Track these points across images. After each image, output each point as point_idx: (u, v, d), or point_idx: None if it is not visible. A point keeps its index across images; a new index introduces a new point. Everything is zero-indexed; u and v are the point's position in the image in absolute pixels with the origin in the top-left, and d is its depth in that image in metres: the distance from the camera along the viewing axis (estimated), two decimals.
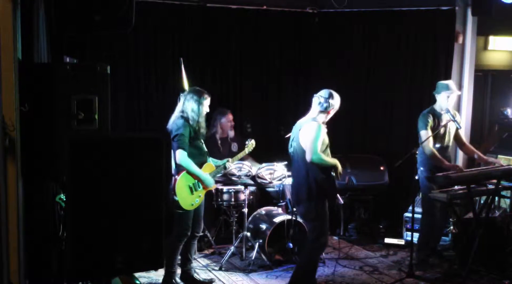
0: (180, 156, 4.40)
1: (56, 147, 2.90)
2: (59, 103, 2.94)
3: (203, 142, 4.69)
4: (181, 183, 4.48)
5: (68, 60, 3.58)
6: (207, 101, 4.57)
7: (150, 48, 6.01)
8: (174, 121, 4.53)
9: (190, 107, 4.49)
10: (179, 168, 4.49)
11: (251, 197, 5.79)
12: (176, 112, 4.57)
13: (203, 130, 4.58)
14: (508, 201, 5.90)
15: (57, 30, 3.42)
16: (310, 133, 4.22)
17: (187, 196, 4.51)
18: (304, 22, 6.74)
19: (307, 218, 4.50)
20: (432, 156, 5.03)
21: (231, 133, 6.05)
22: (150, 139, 2.72)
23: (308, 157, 4.20)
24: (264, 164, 5.45)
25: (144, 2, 5.57)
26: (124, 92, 5.89)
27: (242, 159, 5.27)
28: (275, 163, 5.43)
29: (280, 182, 5.47)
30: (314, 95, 4.36)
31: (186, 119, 4.48)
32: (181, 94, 4.88)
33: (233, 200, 5.55)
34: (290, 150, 4.44)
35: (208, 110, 4.63)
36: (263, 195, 6.20)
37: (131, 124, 5.96)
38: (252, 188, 5.80)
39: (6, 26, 2.69)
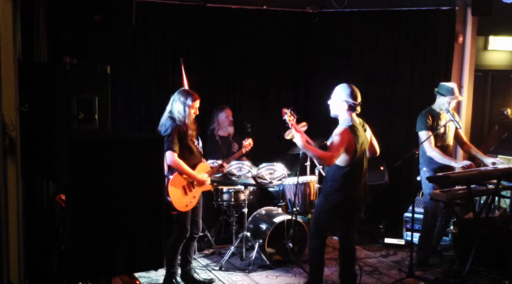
0: (170, 157, 4.33)
1: (56, 147, 2.90)
2: (59, 103, 2.95)
3: (195, 142, 4.65)
4: (174, 184, 4.44)
5: (68, 60, 3.58)
6: (195, 103, 4.47)
7: (150, 48, 6.01)
8: (163, 122, 4.48)
9: (176, 108, 4.43)
10: (172, 169, 4.46)
11: (251, 197, 5.79)
12: (165, 113, 4.51)
13: (191, 131, 4.50)
14: (508, 201, 5.90)
15: (57, 30, 3.42)
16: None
17: (181, 197, 4.48)
18: (304, 22, 6.74)
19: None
20: (438, 156, 5.03)
21: (230, 130, 6.02)
22: (150, 139, 2.72)
23: (378, 150, 4.44)
24: (264, 164, 5.45)
25: (144, 2, 5.57)
26: (124, 92, 5.88)
27: (240, 159, 5.26)
28: (275, 163, 5.43)
29: (280, 182, 5.47)
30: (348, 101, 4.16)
31: (174, 120, 4.42)
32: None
33: (233, 200, 5.54)
34: (360, 154, 4.19)
35: (197, 113, 4.55)
36: (263, 195, 6.20)
37: (131, 124, 5.95)
38: (252, 188, 5.79)
39: (6, 26, 2.70)
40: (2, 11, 2.66)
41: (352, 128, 4.11)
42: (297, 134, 4.10)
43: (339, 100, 4.17)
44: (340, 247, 4.45)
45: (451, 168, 5.14)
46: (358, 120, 4.24)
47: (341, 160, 4.11)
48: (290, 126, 4.17)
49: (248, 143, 5.20)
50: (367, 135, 4.28)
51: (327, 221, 4.30)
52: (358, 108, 4.19)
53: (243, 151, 5.18)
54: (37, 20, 3.30)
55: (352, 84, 4.25)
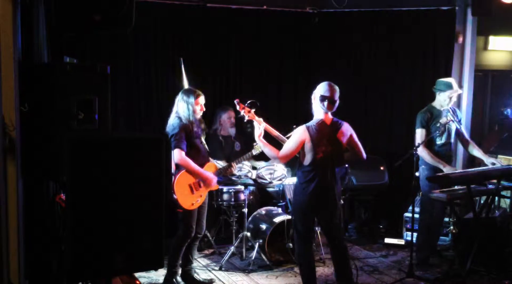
0: (178, 155, 4.39)
1: (56, 147, 2.89)
2: (59, 103, 2.94)
3: (203, 141, 4.68)
4: (181, 182, 4.48)
5: (68, 60, 3.58)
6: (199, 100, 4.54)
7: (150, 48, 6.01)
8: (170, 123, 4.55)
9: (181, 108, 4.51)
10: (179, 168, 4.49)
11: (251, 197, 5.79)
12: (172, 114, 4.59)
13: (196, 129, 4.55)
14: (508, 201, 5.90)
15: (57, 30, 3.42)
16: (353, 132, 4.27)
17: (187, 195, 4.51)
18: (304, 22, 6.74)
19: (338, 218, 4.29)
20: (426, 157, 5.04)
21: (232, 131, 6.04)
22: (150, 139, 2.72)
23: (364, 155, 4.29)
24: (264, 164, 5.44)
25: (144, 2, 5.57)
26: (124, 92, 5.89)
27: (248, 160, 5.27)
28: (275, 163, 5.43)
29: (280, 182, 5.47)
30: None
31: (180, 119, 4.50)
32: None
33: (233, 200, 5.55)
34: (321, 154, 4.10)
35: (204, 109, 4.62)
36: (263, 195, 6.20)
37: (131, 124, 5.96)
38: (252, 188, 5.79)
39: (6, 26, 2.69)
40: (2, 11, 2.66)
41: (310, 128, 4.07)
42: (257, 126, 4.19)
43: (314, 98, 4.18)
44: (329, 245, 4.40)
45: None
46: (331, 120, 4.19)
47: (303, 159, 4.13)
48: (246, 118, 4.30)
49: (258, 145, 5.15)
50: (338, 137, 4.16)
51: (302, 221, 4.24)
52: (334, 106, 4.14)
53: (253, 152, 5.15)
54: (37, 20, 3.29)
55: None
